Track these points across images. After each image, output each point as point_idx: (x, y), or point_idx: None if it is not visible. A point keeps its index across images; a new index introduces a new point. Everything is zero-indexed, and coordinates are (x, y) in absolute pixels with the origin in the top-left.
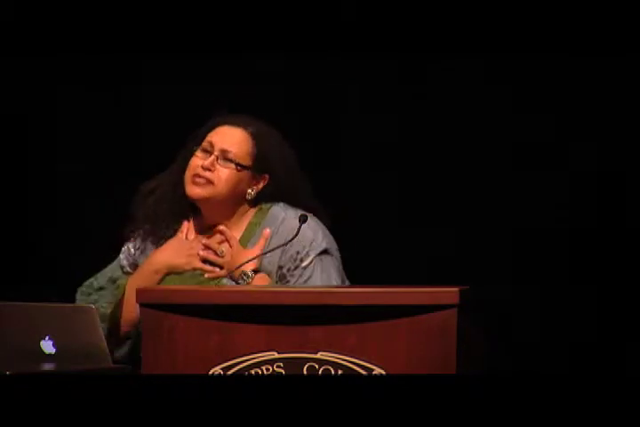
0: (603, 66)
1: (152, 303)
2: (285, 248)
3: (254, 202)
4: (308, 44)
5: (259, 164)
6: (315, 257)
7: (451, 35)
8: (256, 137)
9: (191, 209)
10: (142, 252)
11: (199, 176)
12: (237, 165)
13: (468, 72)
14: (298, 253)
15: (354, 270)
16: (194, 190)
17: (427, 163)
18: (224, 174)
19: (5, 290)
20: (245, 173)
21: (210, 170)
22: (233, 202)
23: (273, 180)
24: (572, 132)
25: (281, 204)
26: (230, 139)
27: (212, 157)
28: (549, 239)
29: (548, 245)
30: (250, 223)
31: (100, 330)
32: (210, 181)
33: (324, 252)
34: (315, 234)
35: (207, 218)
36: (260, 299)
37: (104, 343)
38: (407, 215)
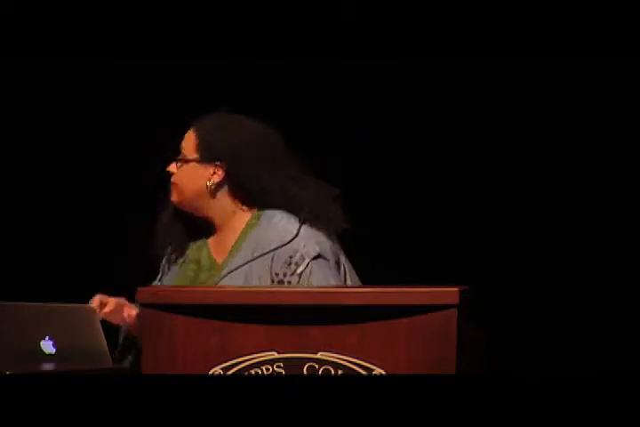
0: None
1: (152, 303)
2: (275, 253)
3: (258, 207)
4: (306, 44)
5: (203, 153)
6: (310, 261)
7: (450, 35)
8: (198, 129)
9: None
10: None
11: (171, 184)
12: (184, 160)
13: (467, 73)
14: (291, 257)
15: (354, 271)
16: (171, 198)
17: (426, 163)
18: (179, 173)
19: (5, 290)
20: (197, 166)
21: (173, 174)
22: (205, 198)
23: (231, 167)
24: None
25: (278, 211)
26: (183, 141)
27: (173, 162)
28: (549, 239)
29: (548, 244)
30: (246, 225)
31: (101, 330)
32: (174, 184)
33: (319, 256)
34: (306, 239)
35: (205, 219)
36: (260, 299)
37: (104, 343)
38: (407, 215)
